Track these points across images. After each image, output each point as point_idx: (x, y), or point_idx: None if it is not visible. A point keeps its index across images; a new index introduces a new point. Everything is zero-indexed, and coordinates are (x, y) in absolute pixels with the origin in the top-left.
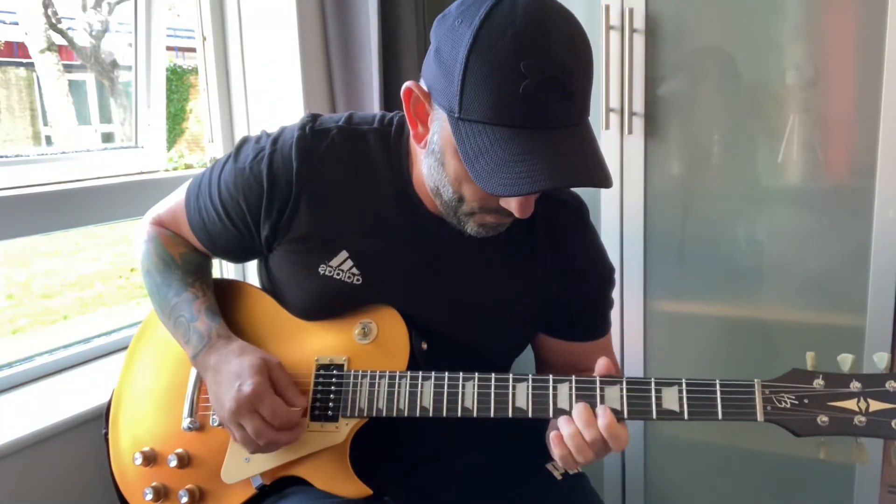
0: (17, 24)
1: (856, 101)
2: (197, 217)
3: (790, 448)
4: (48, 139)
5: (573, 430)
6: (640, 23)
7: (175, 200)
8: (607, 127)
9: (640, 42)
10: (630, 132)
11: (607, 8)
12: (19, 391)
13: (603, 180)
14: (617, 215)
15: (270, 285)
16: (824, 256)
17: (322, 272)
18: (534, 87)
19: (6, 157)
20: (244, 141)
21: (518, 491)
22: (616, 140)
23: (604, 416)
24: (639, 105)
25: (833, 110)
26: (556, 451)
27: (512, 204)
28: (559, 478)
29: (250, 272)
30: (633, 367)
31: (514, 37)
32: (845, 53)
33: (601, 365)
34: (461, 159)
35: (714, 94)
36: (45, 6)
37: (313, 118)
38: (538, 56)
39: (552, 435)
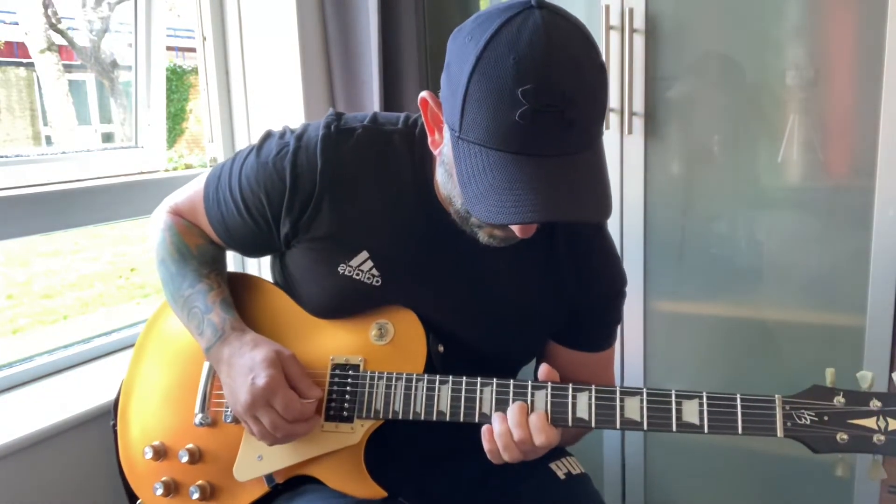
0: (17, 24)
1: (856, 101)
2: (215, 208)
3: (790, 448)
4: (48, 139)
5: (503, 429)
6: (640, 23)
7: (193, 190)
8: (607, 127)
9: (640, 42)
10: (630, 132)
11: (607, 8)
12: (19, 391)
13: (594, 214)
14: (617, 215)
15: (284, 281)
16: (824, 256)
17: (342, 272)
18: (530, 114)
19: (6, 157)
20: (268, 135)
21: (522, 490)
22: (616, 140)
23: (534, 415)
24: (639, 105)
25: (833, 110)
26: (485, 445)
27: (513, 225)
28: (562, 477)
29: (250, 269)
30: (633, 367)
31: (515, 62)
32: (845, 53)
33: (543, 371)
34: (456, 177)
35: (714, 94)
36: (45, 6)
37: (338, 116)
38: (537, 83)
39: (484, 428)
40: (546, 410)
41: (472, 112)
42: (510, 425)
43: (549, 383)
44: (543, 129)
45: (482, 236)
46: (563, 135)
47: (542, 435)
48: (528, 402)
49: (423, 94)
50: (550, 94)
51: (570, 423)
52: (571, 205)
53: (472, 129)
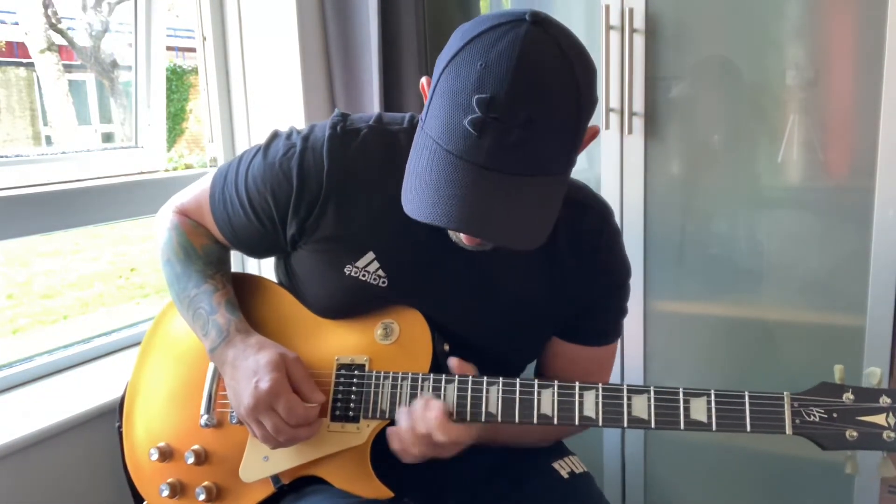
0: (17, 24)
1: (856, 101)
2: (221, 209)
3: (790, 448)
4: (48, 139)
5: (408, 425)
6: (640, 23)
7: (200, 189)
8: (607, 127)
9: (640, 42)
10: (630, 132)
11: (607, 8)
12: (19, 391)
13: (514, 241)
14: (617, 215)
15: (289, 282)
16: (824, 256)
17: (348, 272)
18: (478, 123)
19: (6, 157)
20: (274, 135)
21: (526, 490)
22: (616, 140)
23: (434, 409)
24: (639, 105)
25: (833, 110)
26: (392, 445)
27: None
28: (565, 476)
29: (250, 269)
30: (634, 367)
31: (481, 69)
32: (845, 53)
33: (453, 364)
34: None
35: (714, 94)
36: (45, 6)
37: (343, 117)
38: (493, 95)
39: (389, 430)
40: (552, 408)
41: (435, 106)
42: (414, 420)
43: (556, 382)
44: (488, 142)
45: (451, 234)
46: (508, 153)
47: (442, 432)
48: (535, 400)
49: (423, 80)
50: (503, 109)
51: (576, 422)
52: (491, 223)
53: (431, 122)
